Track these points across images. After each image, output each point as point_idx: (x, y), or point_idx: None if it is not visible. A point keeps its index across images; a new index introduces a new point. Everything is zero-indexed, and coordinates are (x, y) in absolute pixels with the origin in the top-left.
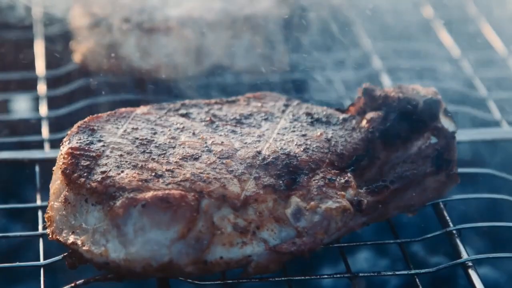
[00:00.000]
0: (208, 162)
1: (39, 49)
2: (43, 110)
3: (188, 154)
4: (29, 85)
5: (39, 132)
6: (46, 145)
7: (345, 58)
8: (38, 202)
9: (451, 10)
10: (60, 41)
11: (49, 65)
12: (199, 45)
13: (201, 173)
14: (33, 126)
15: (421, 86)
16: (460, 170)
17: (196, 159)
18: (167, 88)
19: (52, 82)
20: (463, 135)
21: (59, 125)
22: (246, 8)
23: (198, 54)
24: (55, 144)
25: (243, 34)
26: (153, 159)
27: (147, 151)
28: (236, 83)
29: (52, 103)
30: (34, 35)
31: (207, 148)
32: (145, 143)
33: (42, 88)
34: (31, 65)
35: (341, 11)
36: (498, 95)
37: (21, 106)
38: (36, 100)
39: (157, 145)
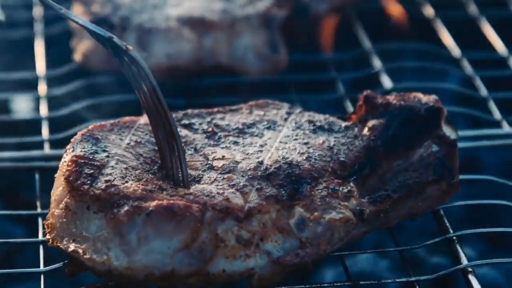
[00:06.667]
0: (210, 181)
1: (39, 49)
2: (43, 110)
3: (190, 177)
4: (29, 85)
5: (39, 132)
6: (46, 146)
7: (345, 58)
8: (38, 209)
9: (451, 10)
10: (60, 40)
11: (49, 65)
12: (199, 45)
13: (204, 189)
14: (33, 126)
15: (421, 86)
16: (460, 176)
17: (198, 181)
18: (167, 88)
19: (52, 82)
20: (463, 135)
21: (59, 125)
22: (246, 8)
23: (198, 54)
24: (55, 144)
25: (243, 34)
26: (157, 178)
27: (151, 171)
28: (236, 83)
29: (52, 103)
30: (34, 35)
31: (208, 166)
32: (149, 162)
33: (42, 88)
34: (31, 65)
35: (341, 11)
36: (498, 95)
37: (21, 106)
38: (36, 100)
39: (161, 165)
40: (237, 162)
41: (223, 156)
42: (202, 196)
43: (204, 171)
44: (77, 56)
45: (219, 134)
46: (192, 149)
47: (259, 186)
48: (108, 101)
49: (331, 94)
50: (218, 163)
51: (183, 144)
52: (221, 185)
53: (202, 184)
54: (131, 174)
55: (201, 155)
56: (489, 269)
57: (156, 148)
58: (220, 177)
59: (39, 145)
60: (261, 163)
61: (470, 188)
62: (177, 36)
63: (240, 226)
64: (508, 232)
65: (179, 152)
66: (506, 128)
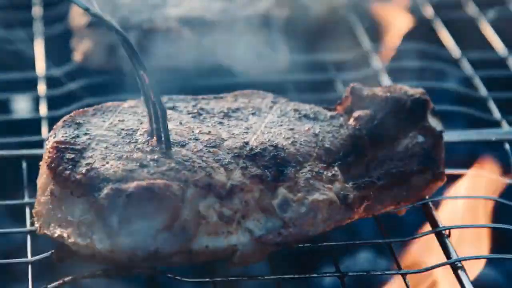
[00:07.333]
0: (195, 149)
1: (39, 49)
2: (43, 110)
3: (174, 141)
4: (29, 85)
5: (39, 131)
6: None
7: (345, 58)
8: (26, 198)
9: (451, 10)
10: (60, 40)
11: (49, 65)
12: (199, 45)
13: (186, 161)
14: (33, 125)
15: (420, 86)
16: (452, 171)
17: (182, 146)
18: (167, 88)
19: (52, 82)
20: (463, 135)
21: None
22: (246, 8)
23: (198, 54)
24: None
25: (243, 34)
26: (138, 148)
27: (133, 140)
28: (235, 83)
29: (52, 103)
30: (34, 35)
31: (194, 137)
32: (131, 132)
33: (42, 88)
34: (31, 65)
35: (341, 11)
36: (497, 95)
37: (21, 106)
38: (36, 100)
39: (143, 132)
40: (223, 140)
41: (209, 132)
42: (184, 171)
43: (189, 139)
44: (77, 56)
45: (204, 115)
46: (178, 123)
47: (244, 165)
48: (108, 101)
49: (330, 94)
50: (203, 137)
51: (167, 119)
52: (205, 157)
53: (187, 150)
54: (111, 153)
55: (186, 127)
56: (489, 269)
57: (138, 120)
58: (206, 149)
59: (39, 145)
60: (246, 143)
61: (462, 184)
62: (177, 36)
63: (222, 204)
64: (500, 228)
65: (161, 109)
66: (505, 128)
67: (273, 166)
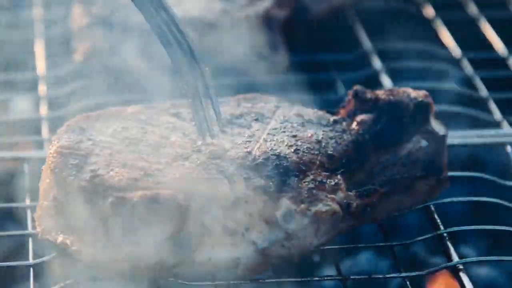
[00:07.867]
0: (198, 162)
1: (39, 49)
2: (43, 110)
3: (178, 154)
4: (29, 85)
5: (39, 132)
6: (46, 146)
7: (345, 58)
8: (27, 201)
9: (451, 10)
10: (60, 41)
11: (49, 65)
12: (199, 45)
13: (191, 173)
14: (33, 126)
15: (421, 86)
16: (452, 173)
17: (186, 159)
18: (167, 89)
19: (52, 82)
20: (463, 136)
21: (59, 126)
22: (246, 8)
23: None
24: None
25: (243, 34)
26: (142, 158)
27: (137, 150)
28: (235, 83)
29: (52, 103)
30: (34, 35)
31: (197, 148)
32: (135, 142)
33: (42, 88)
34: (31, 65)
35: (341, 11)
36: (498, 95)
37: (21, 106)
38: (37, 100)
39: (147, 144)
40: (226, 150)
41: (212, 142)
42: (188, 182)
43: (193, 151)
44: (77, 57)
45: None
46: (181, 133)
47: (247, 176)
48: (108, 102)
49: (331, 94)
50: (206, 148)
51: (170, 129)
52: (208, 170)
53: (190, 163)
54: (116, 160)
55: (189, 139)
56: (490, 269)
57: (142, 128)
58: (209, 162)
59: (39, 145)
60: (249, 153)
61: (467, 184)
62: None
63: (226, 215)
64: (503, 230)
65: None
66: (506, 128)
67: (276, 175)
